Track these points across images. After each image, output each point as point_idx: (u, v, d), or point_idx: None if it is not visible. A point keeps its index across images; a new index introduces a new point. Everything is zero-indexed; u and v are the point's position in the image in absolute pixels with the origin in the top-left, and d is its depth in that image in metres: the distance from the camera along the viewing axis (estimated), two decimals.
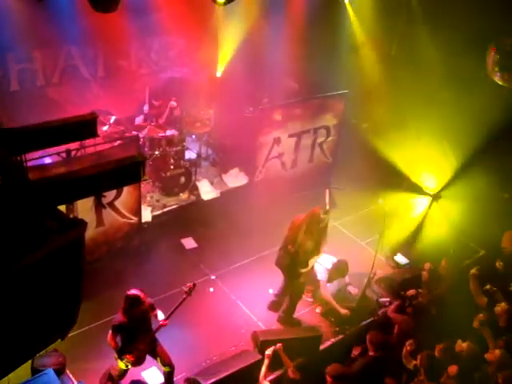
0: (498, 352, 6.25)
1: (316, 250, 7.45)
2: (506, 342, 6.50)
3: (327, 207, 7.66)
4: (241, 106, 10.77)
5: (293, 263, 7.42)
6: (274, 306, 8.11)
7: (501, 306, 6.99)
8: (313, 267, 7.65)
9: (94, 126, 4.14)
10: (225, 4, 8.42)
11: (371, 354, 6.57)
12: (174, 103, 10.29)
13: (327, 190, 7.81)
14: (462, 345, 6.49)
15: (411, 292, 7.76)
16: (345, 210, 10.20)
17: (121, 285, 7.76)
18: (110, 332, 6.10)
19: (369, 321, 8.09)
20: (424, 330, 7.03)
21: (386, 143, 11.41)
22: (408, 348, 6.56)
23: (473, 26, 9.41)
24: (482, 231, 9.34)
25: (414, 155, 10.56)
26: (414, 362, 6.43)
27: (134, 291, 6.03)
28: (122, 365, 6.19)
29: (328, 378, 6.04)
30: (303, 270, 7.45)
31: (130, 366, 6.21)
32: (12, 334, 3.55)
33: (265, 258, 9.10)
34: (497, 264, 8.26)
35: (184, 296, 6.26)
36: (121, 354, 6.12)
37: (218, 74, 11.17)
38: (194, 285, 6.37)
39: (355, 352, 6.95)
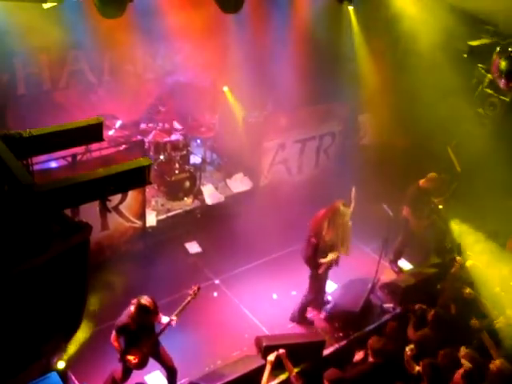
0: (498, 362, 6.21)
1: (338, 245, 7.54)
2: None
3: (352, 205, 7.66)
4: (246, 111, 10.79)
5: (314, 254, 7.56)
6: (314, 304, 8.21)
7: (500, 321, 6.97)
8: (334, 262, 7.68)
9: (99, 130, 4.16)
10: (234, 12, 8.41)
11: (371, 360, 6.52)
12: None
13: (353, 189, 7.81)
14: (463, 352, 6.45)
15: (418, 306, 7.68)
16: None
17: (125, 288, 7.81)
18: (114, 333, 6.10)
19: (373, 326, 8.10)
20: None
21: (391, 149, 11.43)
22: (409, 353, 6.50)
23: (479, 31, 9.44)
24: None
25: (418, 160, 10.55)
26: (418, 368, 6.38)
27: (149, 300, 5.96)
28: (124, 367, 6.20)
29: (326, 383, 6.04)
30: (322, 261, 7.53)
31: (133, 368, 6.22)
32: (16, 339, 3.56)
33: (269, 263, 9.14)
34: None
35: (189, 298, 6.28)
36: (124, 356, 6.13)
37: (224, 79, 11.19)
38: (199, 288, 6.39)
39: (357, 357, 6.91)
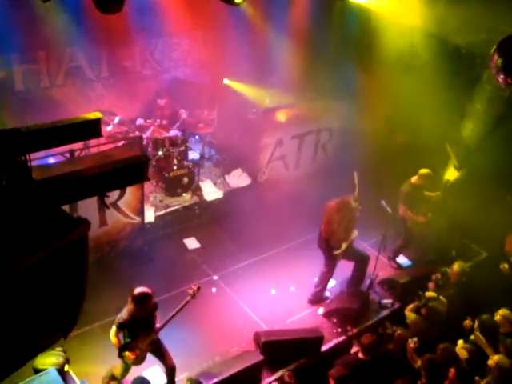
0: (496, 357, 6.22)
1: (348, 234, 7.91)
2: (506, 347, 6.47)
3: (356, 189, 7.94)
4: (244, 107, 10.79)
5: (328, 246, 7.92)
6: (315, 298, 8.36)
7: (499, 314, 6.98)
8: (348, 246, 8.02)
9: (97, 126, 4.15)
10: (240, 3, 8.36)
11: (361, 356, 6.52)
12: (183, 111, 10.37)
13: (355, 174, 8.02)
14: (460, 345, 6.46)
15: (430, 294, 7.72)
16: None
17: (123, 285, 7.81)
18: (114, 329, 6.12)
19: (371, 322, 8.13)
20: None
21: (389, 145, 11.43)
22: (412, 345, 6.51)
23: (477, 28, 9.42)
24: (484, 233, 9.33)
25: (416, 156, 10.55)
26: (419, 363, 6.38)
27: (141, 289, 6.02)
28: (123, 363, 6.21)
29: (331, 382, 6.05)
30: (337, 252, 7.90)
31: (131, 364, 6.24)
32: (15, 333, 3.56)
33: (268, 259, 9.15)
34: (501, 266, 8.28)
35: (188, 298, 6.27)
36: (122, 352, 6.14)
37: (222, 74, 11.19)
38: (199, 288, 6.38)
39: (354, 351, 6.93)
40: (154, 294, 6.21)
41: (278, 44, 10.81)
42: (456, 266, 7.88)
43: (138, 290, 6.00)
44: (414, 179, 8.96)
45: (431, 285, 8.11)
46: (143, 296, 5.96)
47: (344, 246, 7.88)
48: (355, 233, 7.99)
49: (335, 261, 8.07)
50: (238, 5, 8.51)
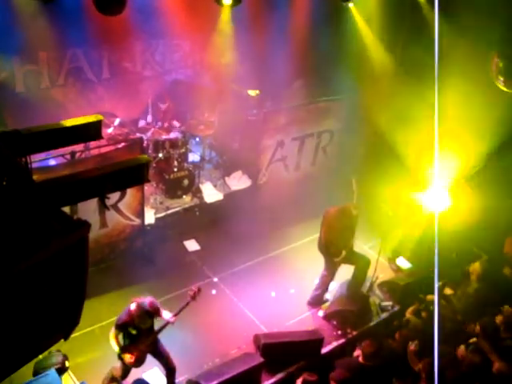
0: (497, 365, 6.21)
1: (349, 242, 7.96)
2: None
3: (355, 196, 7.90)
4: (245, 108, 10.79)
5: (328, 253, 7.99)
6: (315, 300, 8.37)
7: (498, 319, 6.98)
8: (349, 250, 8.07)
9: (98, 127, 4.16)
10: (231, 6, 8.48)
11: (361, 361, 6.52)
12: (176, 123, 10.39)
13: (353, 180, 7.99)
14: (462, 350, 6.45)
15: (431, 297, 7.72)
16: None
17: (123, 286, 7.83)
18: (113, 330, 6.11)
19: (371, 324, 8.12)
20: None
21: (390, 148, 11.42)
22: (412, 348, 6.51)
23: (479, 31, 9.45)
24: (485, 236, 9.32)
25: (418, 159, 10.55)
26: (419, 366, 6.36)
27: (150, 305, 5.95)
28: (123, 364, 6.21)
29: None
30: (337, 260, 7.97)
31: (130, 366, 6.23)
32: (15, 334, 3.57)
33: (268, 261, 9.15)
34: (505, 270, 8.29)
35: (188, 300, 6.27)
36: (122, 353, 6.14)
37: (222, 76, 11.19)
38: (199, 289, 6.37)
39: (356, 353, 6.92)
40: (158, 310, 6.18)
41: (279, 45, 10.80)
42: (477, 265, 8.03)
43: (149, 303, 5.94)
44: None
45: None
46: (150, 312, 5.95)
47: (344, 253, 7.90)
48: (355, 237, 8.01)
49: (336, 266, 8.09)
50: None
